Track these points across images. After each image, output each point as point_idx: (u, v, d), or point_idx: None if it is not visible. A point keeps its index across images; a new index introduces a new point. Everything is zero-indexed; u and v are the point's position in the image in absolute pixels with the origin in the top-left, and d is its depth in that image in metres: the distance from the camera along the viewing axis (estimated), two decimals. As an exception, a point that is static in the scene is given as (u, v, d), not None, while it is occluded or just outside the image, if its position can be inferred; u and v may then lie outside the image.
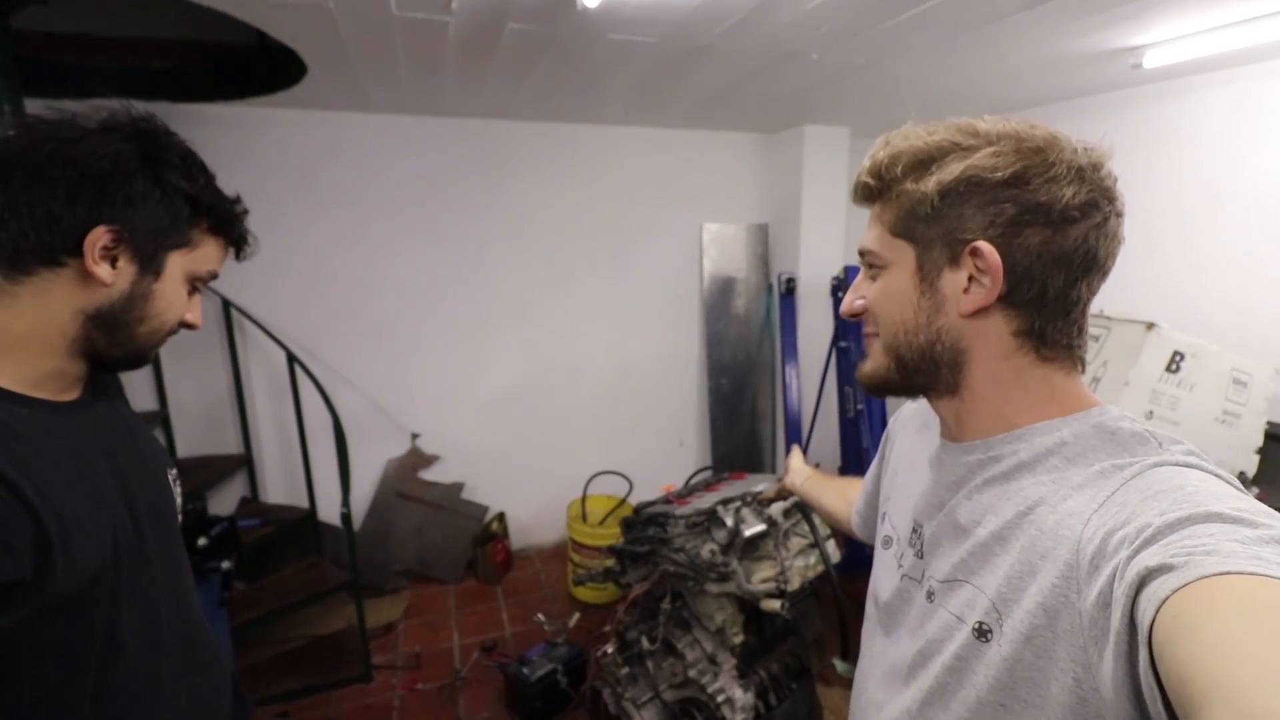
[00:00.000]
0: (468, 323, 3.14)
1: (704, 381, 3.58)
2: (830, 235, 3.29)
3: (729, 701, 1.74)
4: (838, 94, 2.55)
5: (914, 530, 0.67)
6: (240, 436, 2.86)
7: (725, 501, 2.02)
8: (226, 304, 2.68)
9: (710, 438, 3.59)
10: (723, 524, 1.96)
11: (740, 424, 3.62)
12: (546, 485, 3.31)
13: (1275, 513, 0.43)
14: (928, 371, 0.61)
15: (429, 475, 3.18)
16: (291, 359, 2.61)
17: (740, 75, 2.23)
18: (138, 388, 2.66)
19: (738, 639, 1.88)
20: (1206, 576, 0.36)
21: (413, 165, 2.90)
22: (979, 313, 0.56)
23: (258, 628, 2.34)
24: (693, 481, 2.39)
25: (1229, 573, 0.36)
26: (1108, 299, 2.29)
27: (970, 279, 0.56)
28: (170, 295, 0.73)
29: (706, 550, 1.79)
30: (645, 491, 2.62)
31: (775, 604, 1.75)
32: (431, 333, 3.09)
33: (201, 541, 1.75)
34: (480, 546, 3.06)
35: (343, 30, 1.70)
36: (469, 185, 3.01)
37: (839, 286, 3.02)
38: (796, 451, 1.40)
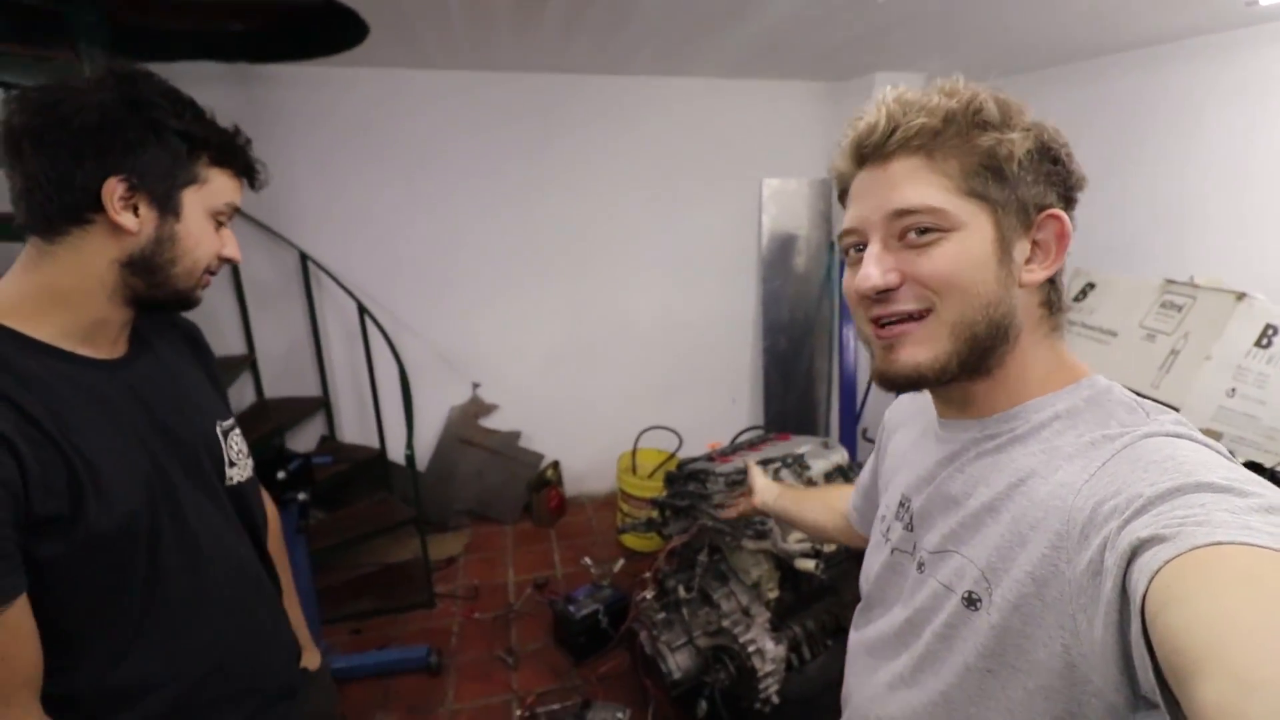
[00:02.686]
0: (525, 277, 3.22)
1: (759, 340, 3.55)
2: (898, 190, 3.12)
3: (759, 652, 1.80)
4: (912, 39, 2.38)
5: (901, 504, 0.68)
6: (319, 380, 3.09)
7: (766, 462, 2.04)
8: (304, 256, 2.86)
9: (764, 397, 3.58)
10: (762, 483, 1.99)
11: (795, 384, 3.58)
12: (600, 437, 3.41)
13: (1264, 481, 0.43)
14: (989, 351, 0.55)
15: (489, 423, 3.34)
16: (361, 309, 2.77)
17: (801, 20, 2.12)
18: (228, 334, 2.91)
19: (773, 594, 1.92)
20: (1199, 547, 0.37)
21: (472, 121, 2.95)
22: (1029, 284, 0.56)
23: (335, 553, 2.58)
24: (738, 440, 2.41)
25: (1220, 543, 0.37)
26: (1197, 265, 2.11)
27: (1033, 248, 0.56)
28: (196, 232, 0.76)
29: (743, 508, 1.83)
30: (695, 447, 2.67)
31: (810, 564, 1.78)
32: (491, 286, 3.19)
33: (280, 475, 1.93)
34: (535, 492, 3.22)
35: (398, -12, 1.73)
36: (526, 140, 3.04)
37: (903, 245, 2.89)
38: (756, 468, 1.32)
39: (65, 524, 0.65)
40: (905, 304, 0.55)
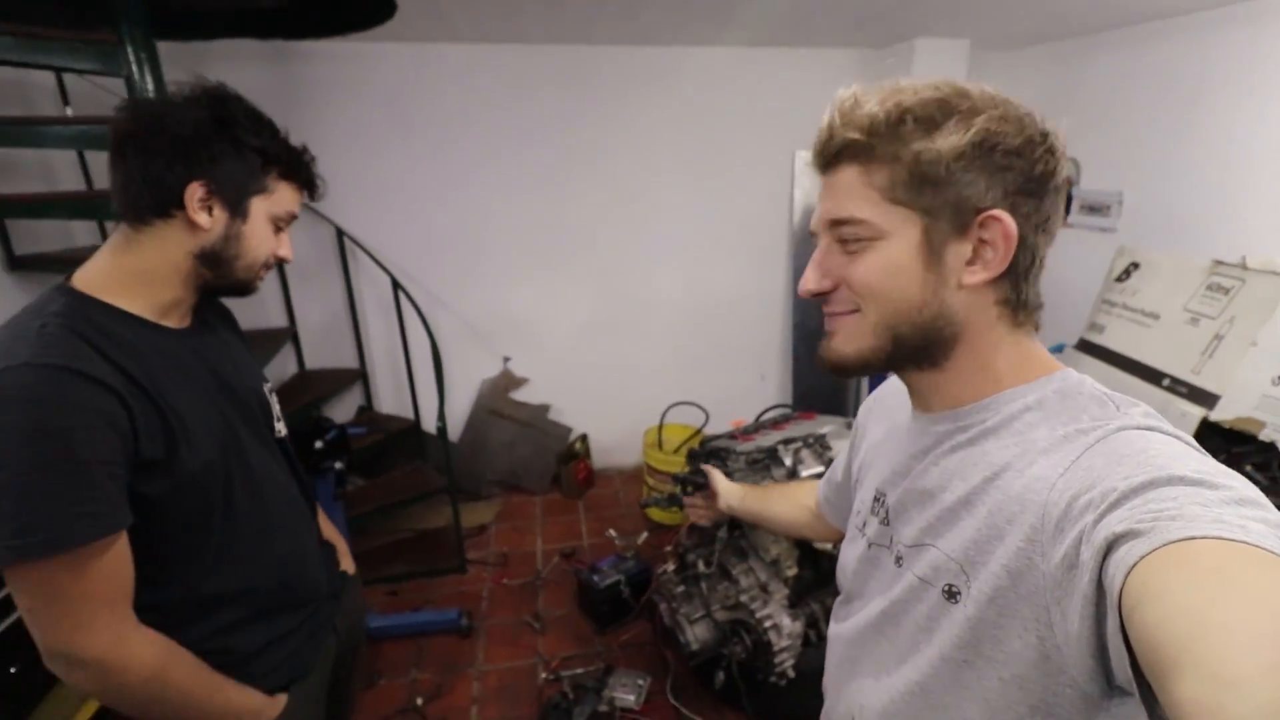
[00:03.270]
0: (555, 252, 3.24)
1: (789, 316, 3.51)
2: (936, 163, 3.02)
3: (776, 627, 1.83)
4: (951, 3, 2.28)
5: (876, 499, 0.68)
6: (356, 352, 3.19)
7: (787, 441, 2.04)
8: (340, 232, 2.93)
9: (792, 374, 3.56)
10: (781, 463, 2.00)
11: (825, 361, 3.54)
12: (628, 411, 3.45)
13: (1234, 473, 0.44)
14: (920, 348, 0.58)
15: (519, 396, 3.41)
16: (395, 284, 2.84)
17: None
18: (270, 307, 3.01)
19: (791, 572, 1.94)
20: (1172, 542, 0.37)
21: (500, 95, 2.95)
22: (970, 286, 0.55)
23: (372, 519, 2.70)
24: (763, 418, 2.41)
25: (1194, 537, 0.37)
26: (1252, 245, 2.00)
27: (975, 249, 0.55)
28: (258, 234, 0.89)
29: (761, 487, 1.84)
30: (721, 424, 2.68)
31: (828, 543, 1.79)
32: (521, 261, 3.22)
33: (318, 444, 2.02)
34: (564, 464, 3.29)
35: (423, -36, 1.73)
36: (555, 113, 3.02)
37: (939, 221, 2.80)
38: (716, 472, 1.31)
39: (163, 466, 0.80)
40: (838, 305, 0.60)
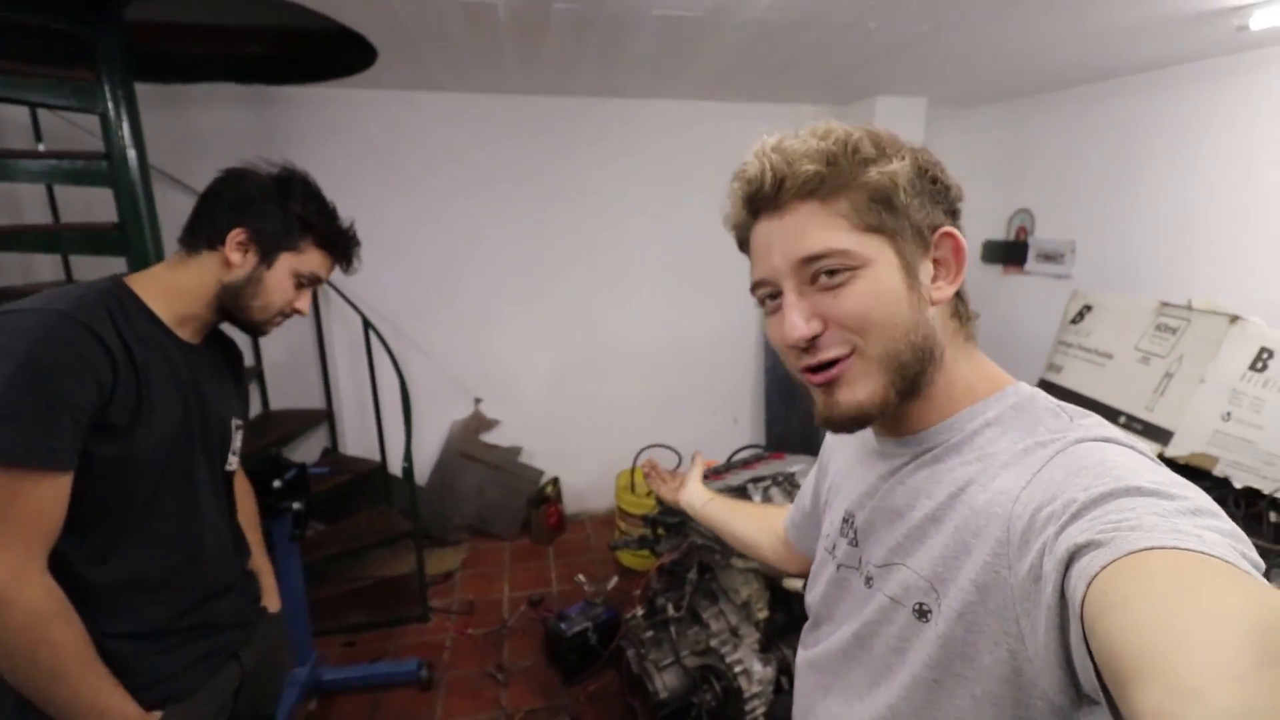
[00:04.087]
0: (528, 295, 3.26)
1: (761, 360, 3.55)
2: (900, 213, 3.14)
3: (746, 673, 1.78)
4: (909, 63, 2.42)
5: (845, 520, 0.68)
6: (323, 392, 3.13)
7: (756, 480, 2.03)
8: (312, 271, 2.93)
9: (765, 418, 3.57)
10: (750, 500, 1.98)
11: (797, 405, 3.56)
12: (600, 454, 3.41)
13: (1188, 483, 0.45)
14: (920, 373, 0.57)
15: (490, 438, 3.36)
16: (366, 324, 2.82)
17: (798, 47, 2.17)
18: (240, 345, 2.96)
19: (763, 614, 1.90)
20: (1132, 552, 0.38)
21: (479, 142, 3.02)
22: (940, 301, 0.58)
23: (331, 564, 2.60)
24: (733, 459, 2.41)
25: (1153, 548, 0.38)
26: (1196, 287, 2.09)
27: (934, 265, 0.58)
28: (277, 283, 1.02)
29: (729, 526, 1.82)
30: (692, 466, 2.66)
31: (799, 584, 1.76)
32: (495, 303, 3.24)
33: (276, 483, 1.96)
34: (534, 508, 3.22)
35: (401, 14, 1.79)
36: (532, 161, 3.10)
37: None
38: (699, 468, 1.22)
39: (122, 434, 0.89)
40: (831, 350, 0.56)
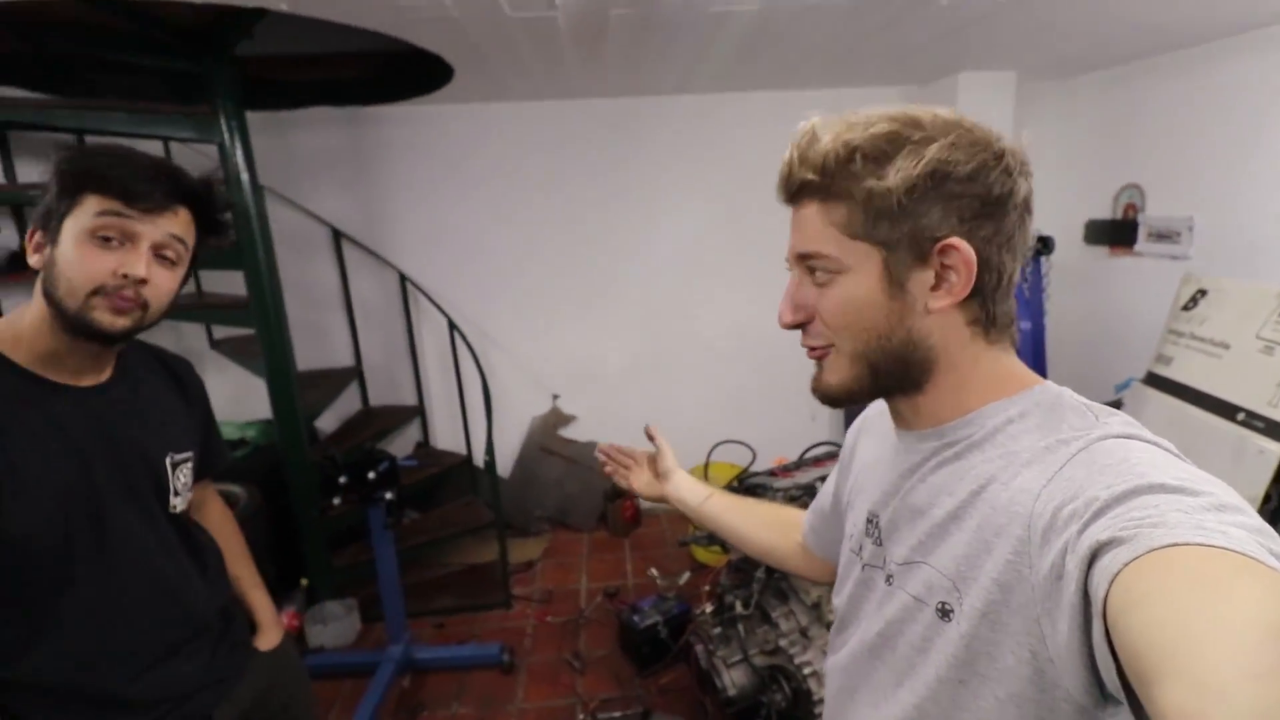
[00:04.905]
0: (603, 292, 3.34)
1: (840, 354, 3.45)
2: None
3: (816, 675, 1.75)
4: (994, 33, 2.25)
5: (869, 520, 0.67)
6: (415, 390, 3.35)
7: (826, 478, 1.99)
8: (402, 277, 3.14)
9: (844, 415, 3.46)
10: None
11: (879, 399, 3.44)
12: (675, 449, 3.42)
13: (1213, 479, 0.44)
14: (899, 374, 0.59)
15: (568, 433, 3.47)
16: (451, 325, 2.99)
17: (864, 29, 2.08)
18: (339, 348, 3.23)
19: (834, 616, 1.87)
20: (1155, 549, 0.37)
21: (548, 145, 3.12)
22: (936, 311, 0.56)
23: (424, 551, 2.79)
24: (806, 455, 2.37)
25: (1175, 544, 0.37)
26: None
27: (938, 275, 0.55)
28: (67, 255, 0.79)
29: (796, 524, 1.80)
30: (769, 463, 2.64)
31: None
32: (570, 302, 3.34)
33: (370, 475, 2.13)
34: (611, 502, 3.30)
35: (471, 34, 1.89)
36: (602, 161, 3.16)
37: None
38: (665, 445, 1.11)
39: None
40: (814, 339, 0.61)
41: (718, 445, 3.15)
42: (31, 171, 2.30)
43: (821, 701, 1.73)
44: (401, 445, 3.41)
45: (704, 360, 3.46)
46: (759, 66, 2.57)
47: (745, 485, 2.09)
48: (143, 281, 0.82)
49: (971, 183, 0.53)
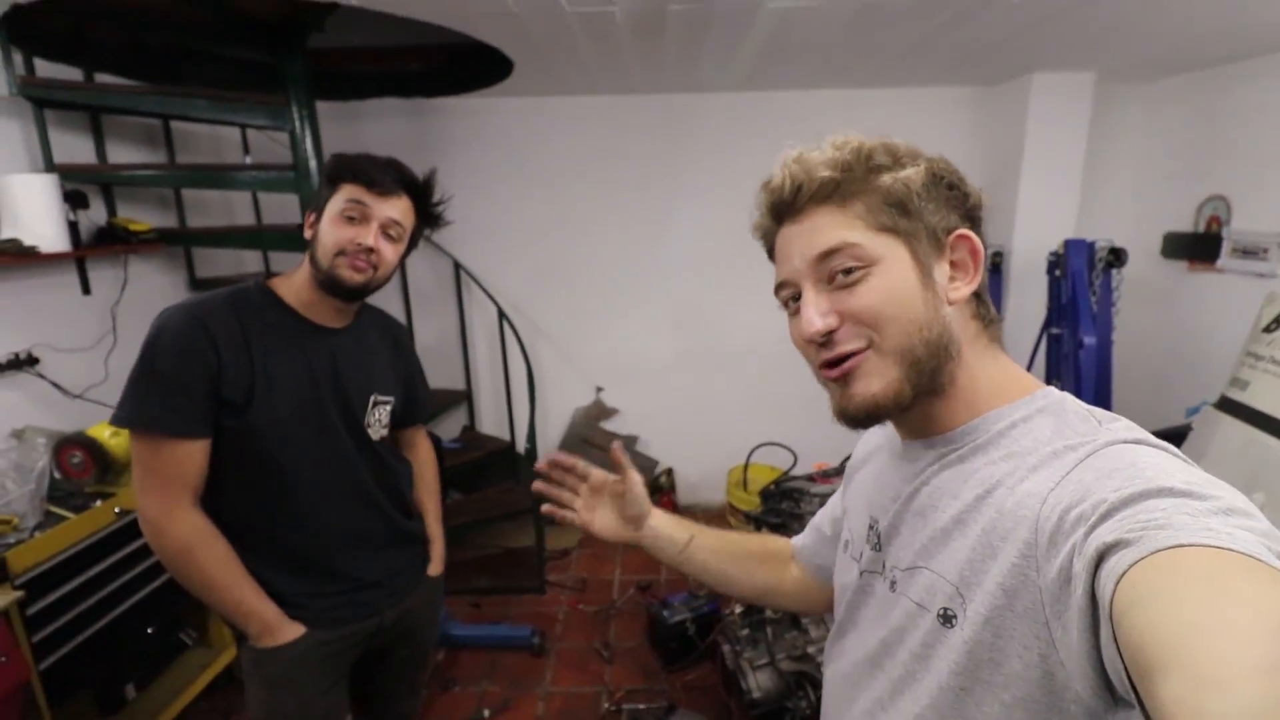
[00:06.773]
0: (651, 288, 3.35)
1: (890, 360, 3.36)
2: (1055, 204, 2.81)
3: (843, 684, 1.73)
4: (1069, 32, 2.15)
5: (870, 526, 0.67)
6: (464, 375, 3.45)
7: (865, 487, 1.95)
8: (456, 265, 3.22)
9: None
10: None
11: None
12: (714, 448, 3.43)
13: (1222, 483, 0.44)
14: (934, 370, 0.56)
15: (609, 426, 3.51)
16: (501, 314, 3.06)
17: (929, 28, 2.02)
18: (393, 330, 3.34)
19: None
20: (1161, 550, 0.38)
21: (604, 140, 3.14)
22: (956, 301, 0.59)
23: (465, 532, 2.87)
24: (846, 462, 2.33)
25: (1182, 545, 0.37)
26: None
27: (953, 266, 0.59)
28: (326, 226, 1.10)
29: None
30: (810, 467, 2.61)
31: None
32: (619, 296, 3.36)
33: (415, 455, 2.21)
34: (649, 496, 3.31)
35: (530, 29, 1.92)
36: (656, 157, 3.17)
37: (1055, 264, 2.59)
38: (632, 473, 0.89)
39: (241, 409, 1.05)
40: (847, 344, 0.57)
41: (759, 447, 3.14)
42: (120, 153, 2.45)
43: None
44: (448, 428, 3.51)
45: (748, 361, 3.43)
46: (819, 64, 2.53)
47: (782, 489, 2.07)
48: (372, 250, 1.09)
49: (958, 190, 0.59)
